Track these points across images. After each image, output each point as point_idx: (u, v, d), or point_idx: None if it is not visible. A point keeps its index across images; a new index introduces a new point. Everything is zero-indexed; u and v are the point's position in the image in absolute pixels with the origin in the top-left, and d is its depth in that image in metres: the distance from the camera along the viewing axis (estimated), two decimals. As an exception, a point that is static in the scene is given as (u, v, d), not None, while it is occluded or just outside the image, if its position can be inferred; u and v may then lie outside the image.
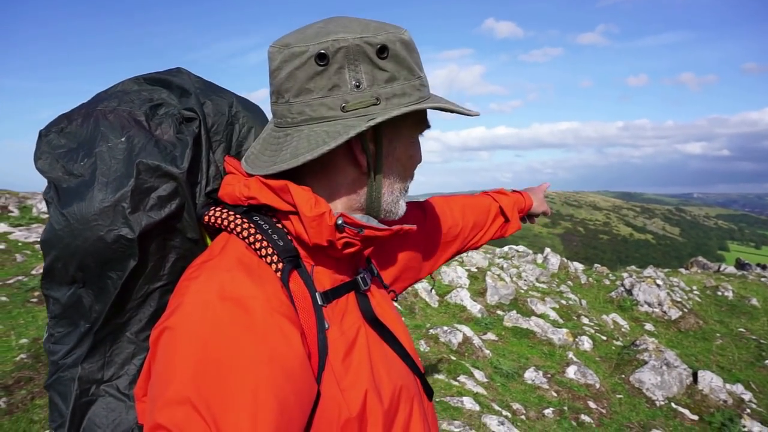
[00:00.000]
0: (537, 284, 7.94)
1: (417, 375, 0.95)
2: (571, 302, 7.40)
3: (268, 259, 0.80)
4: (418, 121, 0.91)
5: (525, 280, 7.86)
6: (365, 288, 0.92)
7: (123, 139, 0.83)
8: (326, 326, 0.80)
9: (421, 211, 1.32)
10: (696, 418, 4.88)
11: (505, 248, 9.71)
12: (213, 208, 0.88)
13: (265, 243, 0.81)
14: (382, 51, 0.81)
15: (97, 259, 0.81)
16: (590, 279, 8.80)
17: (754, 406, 5.18)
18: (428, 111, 0.91)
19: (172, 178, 0.83)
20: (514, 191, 1.58)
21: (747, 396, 5.28)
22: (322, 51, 0.79)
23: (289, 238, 0.84)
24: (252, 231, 0.82)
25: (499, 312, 6.43)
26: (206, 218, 0.88)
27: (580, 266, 9.45)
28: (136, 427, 0.84)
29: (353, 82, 0.80)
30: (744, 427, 4.72)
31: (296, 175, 0.86)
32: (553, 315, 6.68)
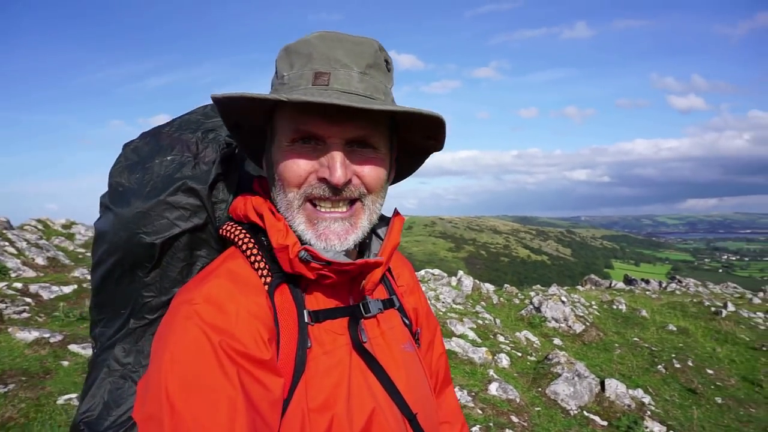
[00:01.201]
0: (454, 306, 8.20)
1: (407, 416, 0.92)
2: (486, 322, 7.71)
3: (260, 272, 0.85)
4: (286, 129, 0.86)
5: (443, 302, 8.09)
6: (366, 315, 0.93)
7: (169, 158, 0.92)
8: (308, 344, 0.82)
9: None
10: (605, 423, 5.25)
11: (422, 272, 9.96)
12: (228, 222, 0.95)
13: (259, 257, 0.87)
14: (276, 66, 0.91)
15: (128, 256, 0.89)
16: (501, 299, 9.25)
17: (653, 408, 5.68)
18: (308, 126, 0.84)
19: (195, 194, 0.90)
20: None
21: (646, 399, 5.78)
22: None
23: None
24: (250, 245, 0.88)
25: (421, 335, 6.56)
26: (221, 231, 0.94)
27: (491, 287, 9.90)
28: None
29: None
30: (647, 428, 5.16)
31: None
32: (471, 335, 6.92)
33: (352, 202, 0.88)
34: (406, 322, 1.05)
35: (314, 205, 0.86)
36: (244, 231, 0.90)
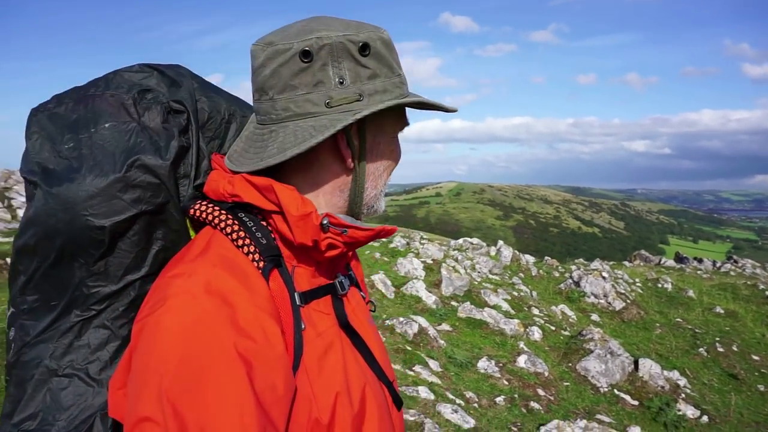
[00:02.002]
0: (490, 276, 8.15)
1: (385, 384, 0.95)
2: (522, 294, 7.64)
3: (251, 257, 0.81)
4: (398, 118, 0.92)
5: (479, 272, 8.05)
6: (342, 293, 0.93)
7: (107, 126, 0.82)
8: (303, 327, 0.82)
9: None
10: (636, 403, 5.17)
11: (460, 240, 9.90)
12: (199, 202, 0.88)
13: (248, 240, 0.82)
14: (365, 49, 0.83)
15: (69, 242, 0.80)
16: (541, 271, 9.10)
17: (688, 391, 5.53)
18: (406, 108, 0.94)
19: (152, 171, 0.82)
20: None
21: (682, 382, 5.63)
22: (306, 48, 0.80)
23: (273, 236, 0.85)
24: (236, 228, 0.83)
25: (453, 303, 6.58)
26: (191, 211, 0.87)
27: (531, 259, 9.76)
28: (99, 412, 0.82)
29: (337, 79, 0.82)
30: (679, 410, 5.04)
31: (280, 172, 0.87)
32: (505, 306, 6.88)
33: None
34: (363, 295, 1.05)
35: None
36: (224, 212, 0.85)
